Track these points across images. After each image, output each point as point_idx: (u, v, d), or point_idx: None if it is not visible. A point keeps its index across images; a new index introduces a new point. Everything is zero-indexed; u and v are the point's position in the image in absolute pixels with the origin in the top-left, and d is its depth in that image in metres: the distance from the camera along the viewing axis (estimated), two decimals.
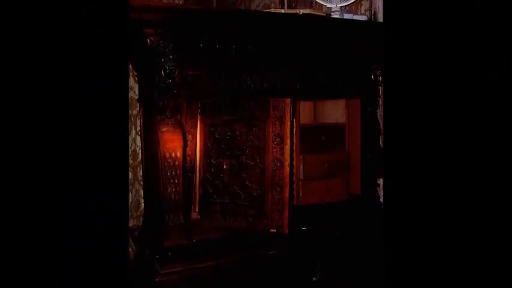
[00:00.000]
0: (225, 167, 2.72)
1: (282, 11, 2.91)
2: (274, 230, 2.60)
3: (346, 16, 2.77)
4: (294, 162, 2.72)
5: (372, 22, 2.97)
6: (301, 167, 2.81)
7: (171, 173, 2.28)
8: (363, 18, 2.86)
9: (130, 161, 3.50)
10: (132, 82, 3.33)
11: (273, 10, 2.97)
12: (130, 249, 2.64)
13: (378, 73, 2.77)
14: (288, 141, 2.58)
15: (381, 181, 2.94)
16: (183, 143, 2.34)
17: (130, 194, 3.53)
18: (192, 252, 2.30)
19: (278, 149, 2.61)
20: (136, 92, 3.35)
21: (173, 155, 2.28)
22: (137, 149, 3.51)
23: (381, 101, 2.87)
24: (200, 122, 2.78)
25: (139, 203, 3.56)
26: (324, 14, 2.81)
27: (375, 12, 3.00)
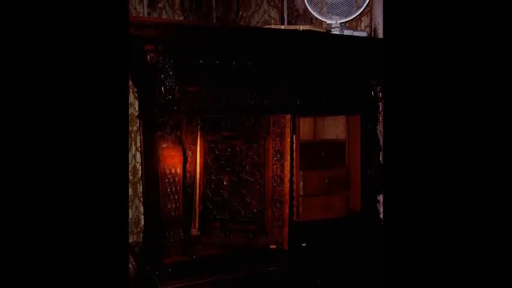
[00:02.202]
0: (225, 183, 2.72)
1: (282, 27, 2.92)
2: (274, 246, 2.59)
3: (346, 32, 2.78)
4: (294, 179, 2.72)
5: (372, 38, 2.98)
6: (301, 183, 2.81)
7: (171, 189, 2.28)
8: (363, 34, 2.87)
9: (130, 177, 3.49)
10: (132, 98, 3.33)
11: (273, 26, 2.97)
12: (130, 266, 2.63)
13: (378, 89, 2.78)
14: (288, 157, 2.58)
15: (381, 197, 2.94)
16: (183, 159, 2.33)
17: (130, 210, 3.52)
18: (192, 268, 2.29)
19: (278, 165, 2.61)
20: (136, 108, 3.35)
21: (173, 171, 2.28)
22: (137, 165, 3.50)
23: (380, 117, 2.88)
24: (200, 138, 2.79)
25: (139, 219, 3.54)
26: (324, 30, 2.81)
27: (375, 28, 3.01)
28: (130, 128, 3.40)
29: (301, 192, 2.82)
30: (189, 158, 2.71)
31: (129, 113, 3.36)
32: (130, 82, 3.03)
